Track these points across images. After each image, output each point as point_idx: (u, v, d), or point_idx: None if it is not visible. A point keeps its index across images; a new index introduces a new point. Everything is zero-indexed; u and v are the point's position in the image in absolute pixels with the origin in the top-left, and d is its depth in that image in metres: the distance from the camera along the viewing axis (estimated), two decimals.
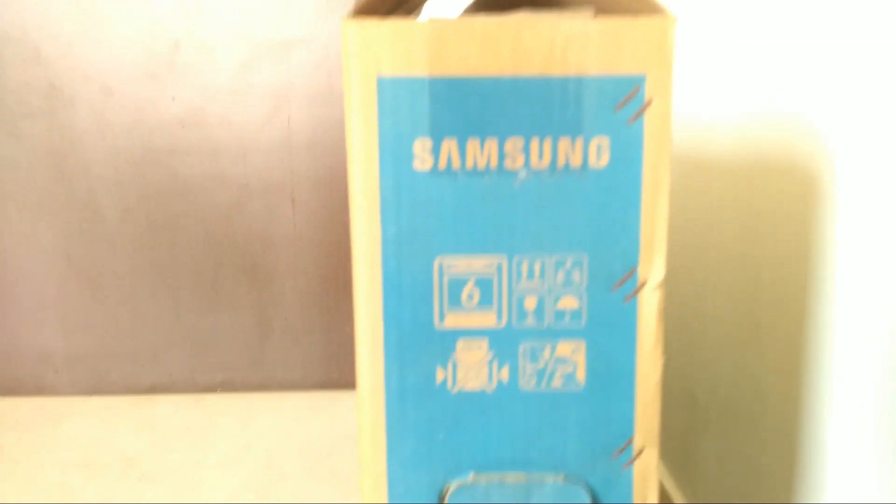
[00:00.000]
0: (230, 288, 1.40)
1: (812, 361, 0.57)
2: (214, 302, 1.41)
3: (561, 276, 0.35)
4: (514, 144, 0.34)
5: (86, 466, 1.15)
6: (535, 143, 0.34)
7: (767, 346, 0.66)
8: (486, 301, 0.35)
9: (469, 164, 0.34)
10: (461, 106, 0.33)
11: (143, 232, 1.37)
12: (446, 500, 0.35)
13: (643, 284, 0.35)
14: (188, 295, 1.40)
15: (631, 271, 0.35)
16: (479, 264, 0.35)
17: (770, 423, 0.66)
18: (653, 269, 0.35)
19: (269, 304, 1.40)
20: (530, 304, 0.35)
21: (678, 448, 0.91)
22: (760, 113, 0.62)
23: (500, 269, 0.35)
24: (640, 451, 0.36)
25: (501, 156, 0.34)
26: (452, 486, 0.35)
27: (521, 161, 0.34)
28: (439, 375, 0.36)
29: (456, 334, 0.35)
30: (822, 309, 0.55)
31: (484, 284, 0.35)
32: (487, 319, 0.35)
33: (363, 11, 0.34)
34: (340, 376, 1.46)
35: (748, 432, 0.71)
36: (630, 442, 0.36)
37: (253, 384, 1.44)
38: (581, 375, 0.36)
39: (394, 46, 0.33)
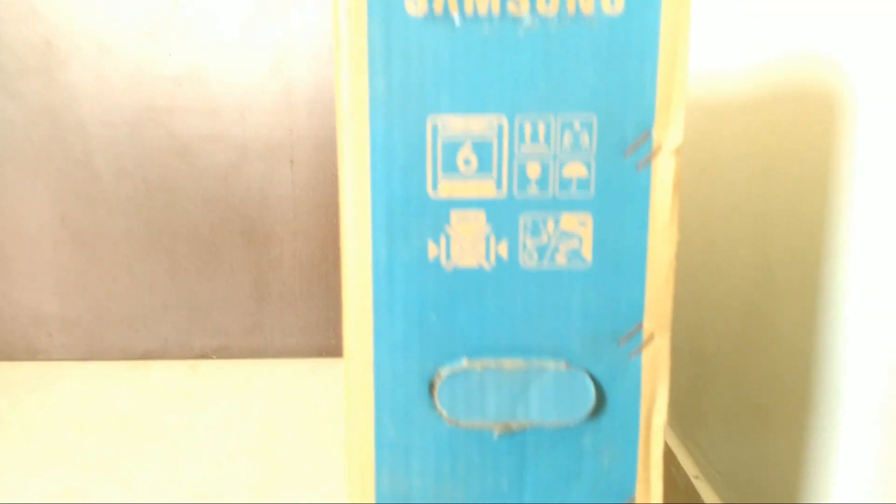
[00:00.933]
0: (227, 251, 1.37)
1: (829, 305, 0.54)
2: (211, 265, 1.38)
3: (568, 139, 0.32)
4: None
5: (78, 426, 1.12)
6: None
7: (781, 290, 0.63)
8: (484, 167, 0.32)
9: (468, 8, 0.31)
10: None
11: (138, 192, 1.34)
12: (437, 389, 0.32)
13: (658, 149, 0.32)
14: (184, 258, 1.37)
15: (645, 134, 0.32)
16: (477, 125, 0.32)
17: (781, 373, 0.62)
18: (669, 133, 0.32)
19: (267, 268, 1.37)
20: (533, 171, 0.32)
21: (682, 402, 0.88)
22: (776, 53, 0.59)
23: (500, 130, 0.32)
24: (650, 338, 0.33)
25: (504, 0, 0.31)
26: (444, 372, 0.32)
27: (526, 6, 0.31)
28: (432, 250, 0.32)
29: (450, 204, 0.32)
30: (841, 249, 0.52)
31: (482, 148, 0.32)
32: (485, 188, 0.32)
33: None
34: (340, 343, 1.43)
35: (757, 384, 0.67)
36: (639, 327, 0.33)
37: (250, 350, 1.41)
38: (587, 252, 0.33)
39: None
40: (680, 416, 0.91)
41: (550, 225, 0.32)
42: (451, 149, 0.32)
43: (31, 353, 1.41)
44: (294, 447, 1.07)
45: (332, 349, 1.43)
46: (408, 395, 0.33)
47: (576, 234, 0.32)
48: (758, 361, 0.67)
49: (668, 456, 0.89)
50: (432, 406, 0.33)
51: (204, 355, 1.42)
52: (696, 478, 0.86)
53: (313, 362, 1.43)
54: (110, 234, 1.37)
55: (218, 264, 1.39)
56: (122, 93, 1.33)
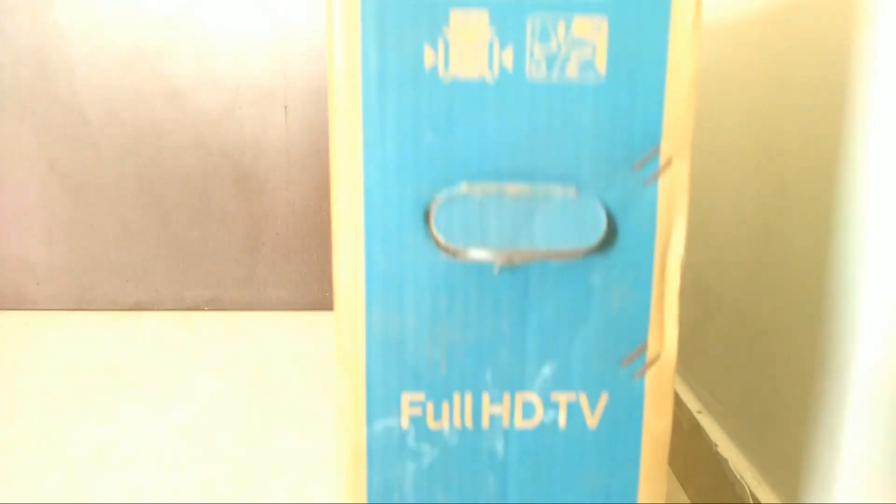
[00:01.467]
0: (219, 200, 1.33)
1: (845, 226, 0.51)
2: (203, 214, 1.34)
3: None
4: None
5: (65, 372, 1.09)
6: None
7: (794, 211, 0.60)
8: None
9: None
10: None
11: (129, 137, 1.30)
12: (433, 216, 0.29)
13: None
14: (175, 206, 1.33)
15: None
16: None
17: (793, 302, 0.59)
18: None
19: (261, 217, 1.34)
20: None
21: (686, 340, 0.85)
22: None
23: None
24: (668, 163, 0.30)
25: None
26: (440, 198, 0.29)
27: None
28: (428, 57, 0.29)
29: (449, 3, 0.29)
30: (858, 164, 0.48)
31: None
32: None
33: None
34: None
35: (767, 313, 0.64)
36: (656, 151, 0.30)
37: (243, 302, 1.38)
38: (601, 63, 0.30)
39: None
40: (683, 354, 0.88)
41: (561, 29, 0.29)
42: None
43: (19, 302, 1.38)
44: (285, 392, 1.04)
45: (328, 303, 1.40)
46: (401, 223, 0.29)
47: (589, 41, 0.29)
48: (768, 291, 0.65)
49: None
50: (428, 235, 0.30)
51: (196, 307, 1.39)
52: (700, 413, 0.83)
53: (308, 315, 1.40)
54: (100, 179, 1.34)
55: (210, 213, 1.36)
56: (112, 34, 1.30)
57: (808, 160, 0.58)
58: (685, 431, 0.84)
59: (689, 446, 0.83)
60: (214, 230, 1.35)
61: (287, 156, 1.32)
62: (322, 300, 1.40)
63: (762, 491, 0.67)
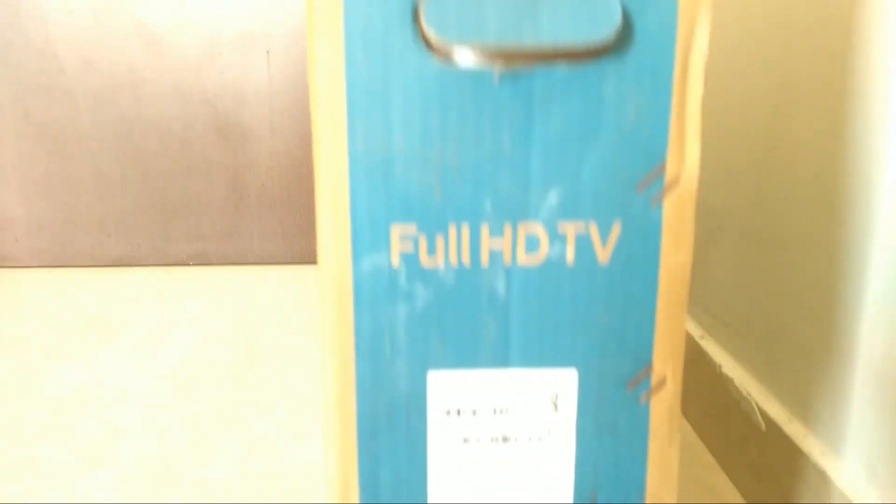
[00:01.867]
0: (200, 149, 1.29)
1: (856, 129, 0.47)
2: (184, 164, 1.30)
3: None
4: None
5: (44, 323, 1.05)
6: None
7: (801, 118, 0.56)
8: None
9: None
10: None
11: (105, 85, 1.26)
12: (422, 7, 0.26)
13: None
14: (155, 156, 1.29)
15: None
16: None
17: (800, 216, 0.56)
18: None
19: (244, 167, 1.30)
20: None
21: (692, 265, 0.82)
22: None
23: None
24: None
25: None
26: None
27: None
28: None
29: None
30: (871, 63, 0.45)
31: None
32: None
33: None
34: None
35: (774, 230, 0.61)
36: None
37: (228, 256, 1.35)
38: None
39: None
40: None
41: None
42: None
43: None
44: (272, 339, 1.00)
45: (315, 255, 1.36)
46: (386, 19, 0.26)
47: None
48: (776, 202, 0.61)
49: None
50: (417, 35, 0.26)
51: (180, 262, 1.35)
52: (702, 338, 0.80)
53: (296, 269, 1.36)
54: (77, 129, 1.29)
55: (191, 164, 1.32)
56: None
57: (817, 58, 0.54)
58: (687, 360, 0.82)
59: (691, 373, 0.80)
60: (196, 181, 1.31)
61: (270, 103, 1.28)
62: (311, 253, 1.36)
63: (770, 405, 0.64)
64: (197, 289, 1.21)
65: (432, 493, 0.28)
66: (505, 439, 0.29)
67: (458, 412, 0.29)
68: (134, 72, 1.25)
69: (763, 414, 0.64)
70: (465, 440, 0.29)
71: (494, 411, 0.29)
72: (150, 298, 1.16)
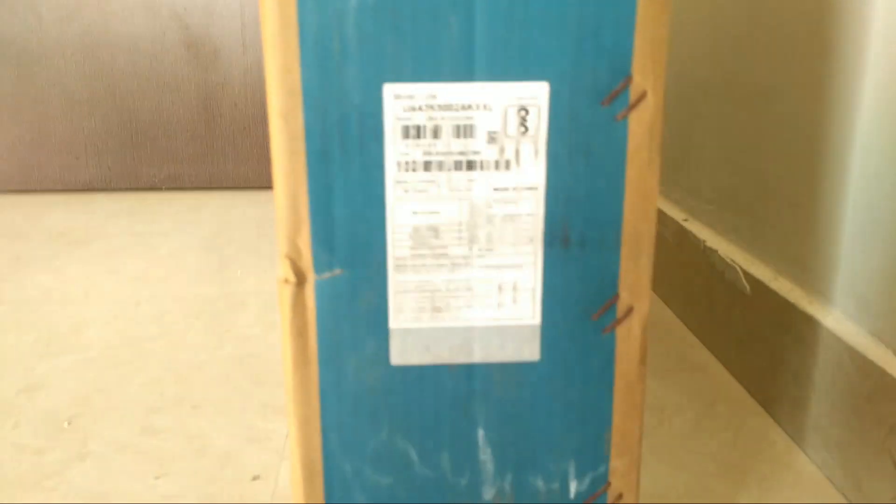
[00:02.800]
0: (171, 66, 1.25)
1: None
2: (153, 83, 1.26)
3: None
4: None
5: (7, 237, 1.01)
6: None
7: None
8: None
9: None
10: None
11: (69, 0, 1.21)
12: None
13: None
14: (124, 75, 1.24)
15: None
16: None
17: (787, 67, 0.53)
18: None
19: (216, 86, 1.25)
20: None
21: (669, 155, 0.79)
22: None
23: None
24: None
25: None
26: None
27: None
28: None
29: None
30: None
31: None
32: None
33: None
34: None
35: (753, 100, 0.58)
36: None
37: (201, 179, 1.31)
38: None
39: None
40: (667, 168, 0.83)
41: None
42: None
43: None
44: (241, 247, 0.97)
45: None
46: None
47: None
48: (760, 62, 0.58)
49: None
50: None
51: (152, 186, 1.31)
52: (686, 220, 0.78)
53: (271, 194, 1.33)
54: (42, 46, 1.25)
55: (161, 82, 1.27)
56: None
57: None
58: (670, 245, 0.79)
59: (673, 258, 0.78)
60: (167, 100, 1.27)
61: (241, 17, 1.23)
62: None
63: (755, 268, 0.62)
64: (169, 209, 1.18)
65: (391, 228, 0.25)
66: (470, 165, 0.26)
67: (418, 132, 0.26)
68: None
69: (748, 276, 0.62)
70: (427, 165, 0.26)
71: (458, 131, 0.26)
72: (121, 216, 1.13)
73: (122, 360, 0.62)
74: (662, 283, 0.81)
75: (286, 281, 0.27)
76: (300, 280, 0.27)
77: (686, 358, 0.66)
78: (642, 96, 0.26)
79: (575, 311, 0.28)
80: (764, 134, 0.60)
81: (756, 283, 0.61)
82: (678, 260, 0.77)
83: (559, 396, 0.29)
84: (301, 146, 0.26)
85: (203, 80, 1.26)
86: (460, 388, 0.29)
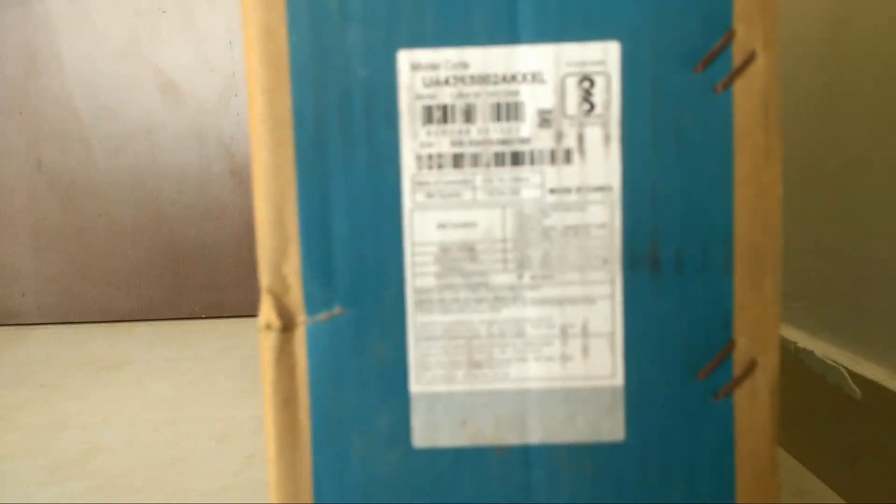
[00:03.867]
0: (216, 194, 1.23)
1: None
2: (199, 211, 1.24)
3: None
4: None
5: (43, 365, 0.96)
6: None
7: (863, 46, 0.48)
8: None
9: None
10: None
11: (121, 132, 1.22)
12: None
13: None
14: (169, 204, 1.23)
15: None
16: None
17: (872, 161, 0.46)
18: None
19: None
20: None
21: None
22: None
23: None
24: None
25: None
26: None
27: None
28: None
29: None
30: None
31: None
32: None
33: None
34: None
35: (836, 181, 0.51)
36: None
37: (242, 307, 1.26)
38: None
39: None
40: None
41: None
42: None
43: (4, 315, 1.27)
44: None
45: None
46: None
47: None
48: (844, 141, 0.51)
49: None
50: None
51: (192, 314, 1.27)
52: None
53: None
54: (89, 179, 1.25)
55: (206, 209, 1.26)
56: (103, 23, 1.24)
57: None
58: None
59: None
60: (211, 226, 1.24)
61: None
62: None
63: (865, 367, 0.52)
64: (207, 336, 1.12)
65: (409, 248, 0.18)
66: (516, 159, 0.19)
67: (444, 114, 0.19)
68: (150, 117, 1.22)
69: (856, 378, 0.51)
70: (457, 160, 0.19)
71: (499, 112, 0.19)
72: (155, 345, 1.08)
73: (132, 489, 0.54)
74: None
75: (268, 326, 0.19)
76: (287, 324, 0.19)
77: (788, 485, 0.54)
78: (750, 57, 0.19)
79: (673, 366, 0.20)
80: (857, 212, 0.52)
81: (867, 385, 0.50)
82: None
83: (655, 493, 0.20)
84: (288, 135, 0.19)
85: (247, 206, 1.24)
86: (512, 481, 0.20)
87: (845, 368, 0.54)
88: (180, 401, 0.74)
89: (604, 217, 0.20)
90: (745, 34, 0.19)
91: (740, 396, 0.20)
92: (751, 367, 0.20)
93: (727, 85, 0.19)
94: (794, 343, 0.62)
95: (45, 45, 1.18)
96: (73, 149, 1.20)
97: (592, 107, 0.19)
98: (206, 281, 1.23)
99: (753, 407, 0.20)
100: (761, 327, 0.20)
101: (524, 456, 0.20)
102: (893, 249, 0.47)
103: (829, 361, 0.56)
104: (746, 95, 0.19)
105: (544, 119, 0.20)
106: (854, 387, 0.53)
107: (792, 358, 0.62)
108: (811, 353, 0.58)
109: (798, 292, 0.63)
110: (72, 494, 0.53)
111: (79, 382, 0.84)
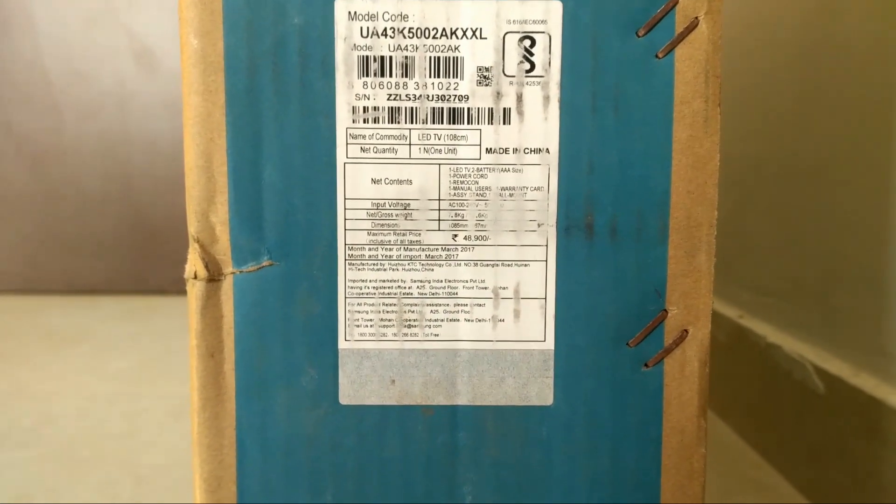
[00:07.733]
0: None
1: None
2: (171, 182, 1.23)
3: None
4: None
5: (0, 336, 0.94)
6: None
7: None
8: None
9: None
10: None
11: (92, 99, 1.20)
12: None
13: None
14: (140, 174, 1.22)
15: None
16: None
17: (853, 159, 0.46)
18: None
19: None
20: None
21: (721, 239, 0.71)
22: None
23: None
24: None
25: None
26: None
27: None
28: None
29: None
30: None
31: None
32: None
33: None
34: None
35: (811, 178, 0.51)
36: None
37: None
38: None
39: None
40: (719, 261, 0.74)
41: None
42: None
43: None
44: None
45: None
46: None
47: None
48: (819, 141, 0.52)
49: None
50: None
51: (160, 289, 1.26)
52: (741, 317, 0.69)
53: None
54: (58, 145, 1.23)
55: (178, 182, 1.24)
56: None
57: None
58: (723, 346, 0.70)
59: (728, 362, 0.68)
60: (182, 201, 1.23)
61: None
62: None
63: (830, 363, 0.52)
64: (173, 312, 1.11)
65: (342, 202, 0.18)
66: (454, 116, 0.19)
67: (382, 66, 0.18)
68: (123, 84, 1.20)
69: (821, 374, 0.52)
70: (394, 113, 0.18)
71: (438, 67, 0.19)
72: (119, 319, 1.06)
73: (80, 458, 0.53)
74: (715, 393, 0.70)
75: (195, 276, 0.19)
76: (213, 274, 0.19)
77: (749, 479, 0.55)
78: (693, 24, 0.19)
79: (603, 332, 0.20)
80: (828, 211, 0.52)
81: (832, 381, 0.51)
82: (733, 363, 0.67)
83: (581, 459, 0.20)
84: (219, 82, 0.19)
85: None
86: (438, 442, 0.20)
87: (811, 364, 0.54)
88: (139, 376, 0.73)
89: (540, 180, 0.19)
90: (689, 1, 0.19)
91: (670, 366, 0.20)
92: (681, 336, 0.20)
93: (668, 51, 0.19)
94: (764, 338, 0.62)
95: (17, 8, 1.16)
96: (43, 114, 1.18)
97: (532, 66, 0.19)
98: (176, 255, 1.21)
99: (683, 377, 0.20)
100: (694, 298, 0.20)
101: (451, 417, 0.20)
102: (862, 248, 0.47)
103: (795, 357, 0.56)
104: (687, 63, 0.19)
105: (483, 77, 0.19)
106: (819, 382, 0.53)
107: (760, 354, 0.62)
108: (779, 348, 0.59)
109: (769, 287, 0.64)
110: (18, 461, 0.52)
111: (37, 353, 0.83)
